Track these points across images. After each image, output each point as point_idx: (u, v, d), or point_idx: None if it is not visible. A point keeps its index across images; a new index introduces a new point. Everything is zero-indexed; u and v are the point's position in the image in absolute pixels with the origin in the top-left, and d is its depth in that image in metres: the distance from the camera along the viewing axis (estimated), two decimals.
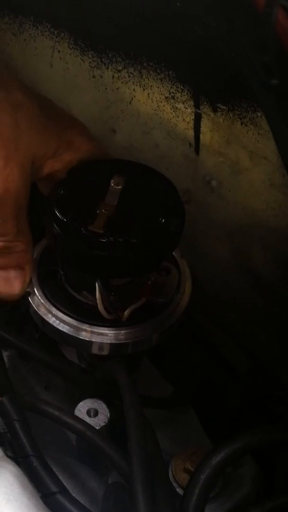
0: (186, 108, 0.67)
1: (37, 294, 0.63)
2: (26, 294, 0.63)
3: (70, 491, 0.53)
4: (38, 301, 0.63)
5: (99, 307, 0.60)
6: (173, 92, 0.67)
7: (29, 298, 0.64)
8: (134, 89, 0.72)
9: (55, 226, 0.58)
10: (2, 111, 0.58)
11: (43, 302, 0.63)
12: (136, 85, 0.71)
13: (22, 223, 0.61)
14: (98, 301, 0.59)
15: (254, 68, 0.37)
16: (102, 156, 0.65)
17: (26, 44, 0.83)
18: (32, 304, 0.63)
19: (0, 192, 0.57)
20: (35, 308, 0.63)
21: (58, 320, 0.62)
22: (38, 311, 0.63)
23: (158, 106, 0.70)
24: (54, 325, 0.62)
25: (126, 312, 0.61)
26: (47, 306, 0.63)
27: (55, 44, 0.78)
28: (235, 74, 0.57)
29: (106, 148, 0.69)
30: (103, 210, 0.58)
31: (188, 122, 0.68)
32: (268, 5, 0.36)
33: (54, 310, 0.62)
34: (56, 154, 0.62)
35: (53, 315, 0.62)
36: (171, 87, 0.67)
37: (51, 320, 0.62)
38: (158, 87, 0.69)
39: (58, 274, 0.65)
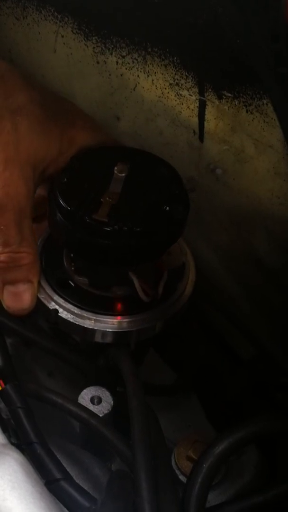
0: (191, 95, 0.66)
1: (41, 284, 0.63)
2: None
3: (74, 477, 0.54)
4: (42, 290, 0.63)
5: (139, 293, 0.60)
6: (177, 79, 0.67)
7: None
8: (138, 76, 0.71)
9: (59, 214, 0.57)
10: (1, 118, 0.58)
11: (46, 291, 0.63)
12: (140, 71, 0.70)
13: (26, 230, 0.59)
14: (137, 288, 0.60)
15: (262, 55, 0.36)
16: (109, 144, 0.65)
17: (29, 29, 0.82)
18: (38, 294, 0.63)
19: (0, 195, 0.57)
20: (39, 297, 0.63)
21: (62, 308, 0.62)
22: (42, 300, 0.63)
23: (162, 93, 0.70)
24: (59, 313, 0.62)
25: (160, 289, 0.63)
26: (50, 294, 0.63)
27: (58, 29, 0.77)
28: (241, 61, 0.56)
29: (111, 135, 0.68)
30: (107, 198, 0.57)
31: (193, 110, 0.67)
32: None
33: (56, 297, 0.62)
34: (60, 153, 0.61)
35: (57, 303, 0.62)
36: (175, 74, 0.66)
37: (55, 308, 0.62)
38: (162, 74, 0.68)
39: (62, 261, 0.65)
